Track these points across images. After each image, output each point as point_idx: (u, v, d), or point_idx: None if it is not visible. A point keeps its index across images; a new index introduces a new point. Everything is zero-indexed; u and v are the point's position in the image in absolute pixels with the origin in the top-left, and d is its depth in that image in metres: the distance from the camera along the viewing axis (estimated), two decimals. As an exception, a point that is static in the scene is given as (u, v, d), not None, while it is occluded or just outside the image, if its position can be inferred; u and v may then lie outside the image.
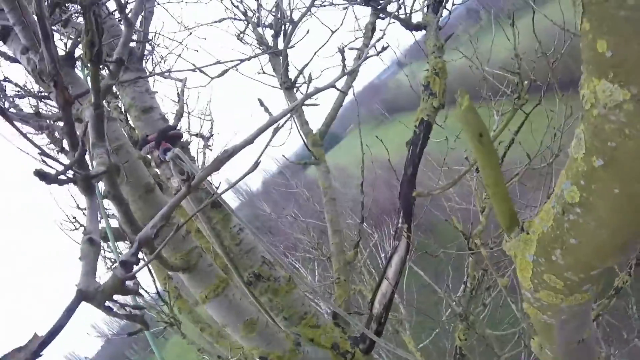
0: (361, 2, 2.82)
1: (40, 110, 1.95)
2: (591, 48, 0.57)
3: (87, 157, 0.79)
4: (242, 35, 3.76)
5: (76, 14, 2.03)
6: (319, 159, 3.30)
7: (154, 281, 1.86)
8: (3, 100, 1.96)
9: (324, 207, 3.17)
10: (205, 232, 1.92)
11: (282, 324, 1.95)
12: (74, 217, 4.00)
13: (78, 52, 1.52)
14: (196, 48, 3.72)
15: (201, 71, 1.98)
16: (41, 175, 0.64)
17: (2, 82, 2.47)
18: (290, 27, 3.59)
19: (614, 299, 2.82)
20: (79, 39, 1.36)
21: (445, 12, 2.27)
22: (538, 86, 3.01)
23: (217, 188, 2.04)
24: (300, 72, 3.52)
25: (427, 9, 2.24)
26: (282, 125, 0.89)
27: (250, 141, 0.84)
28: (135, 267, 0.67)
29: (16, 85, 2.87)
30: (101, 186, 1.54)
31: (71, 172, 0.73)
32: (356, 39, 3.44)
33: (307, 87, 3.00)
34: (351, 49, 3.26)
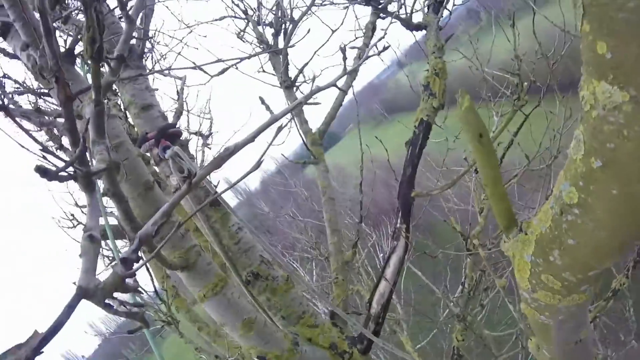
0: (362, 1, 2.82)
1: (40, 107, 1.95)
2: (591, 49, 0.58)
3: (87, 154, 0.79)
4: (242, 33, 3.76)
5: (76, 11, 2.03)
6: (318, 158, 3.30)
7: (152, 280, 1.86)
8: (2, 96, 1.96)
9: (323, 206, 3.18)
10: (204, 231, 1.91)
11: (280, 324, 1.95)
12: (72, 215, 3.99)
13: (78, 49, 1.52)
14: (196, 46, 3.70)
15: (201, 69, 1.98)
16: (42, 171, 0.64)
17: (1, 79, 2.47)
18: (291, 26, 3.59)
19: (611, 301, 2.82)
20: (79, 36, 1.36)
21: (445, 13, 2.27)
22: (538, 87, 3.01)
23: (216, 187, 2.03)
24: (301, 71, 3.52)
25: (428, 9, 2.24)
26: (285, 125, 0.89)
27: (251, 139, 0.84)
28: (135, 265, 0.67)
29: (15, 81, 2.87)
30: (100, 184, 1.54)
31: (72, 168, 0.73)
32: (356, 38, 3.45)
33: (311, 86, 3.00)
34: (352, 48, 3.26)
